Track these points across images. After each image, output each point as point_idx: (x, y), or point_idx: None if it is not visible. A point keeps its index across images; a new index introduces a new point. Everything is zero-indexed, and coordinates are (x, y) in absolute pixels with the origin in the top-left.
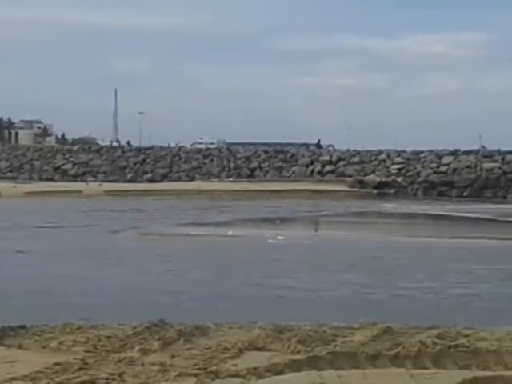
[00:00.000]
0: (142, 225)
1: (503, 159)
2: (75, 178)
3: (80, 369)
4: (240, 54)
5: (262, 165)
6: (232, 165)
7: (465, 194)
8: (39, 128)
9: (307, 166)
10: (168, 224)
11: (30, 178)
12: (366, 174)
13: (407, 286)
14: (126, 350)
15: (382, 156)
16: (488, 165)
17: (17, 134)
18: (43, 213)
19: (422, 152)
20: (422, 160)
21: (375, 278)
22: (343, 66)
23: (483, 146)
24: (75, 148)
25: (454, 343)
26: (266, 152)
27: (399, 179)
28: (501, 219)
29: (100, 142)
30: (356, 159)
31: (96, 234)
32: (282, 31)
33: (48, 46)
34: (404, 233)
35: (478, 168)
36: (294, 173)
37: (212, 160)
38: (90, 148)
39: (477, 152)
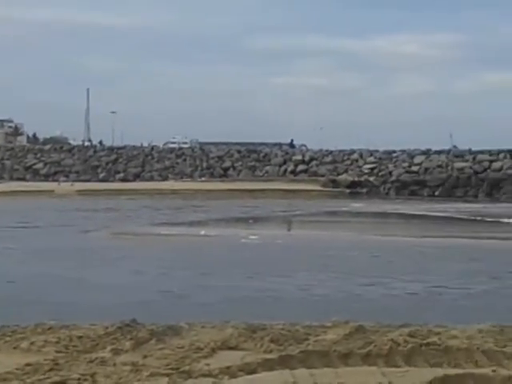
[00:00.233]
0: (115, 224)
1: (474, 159)
2: (47, 177)
3: (51, 369)
4: (213, 54)
5: (235, 164)
6: (205, 164)
7: (436, 193)
8: (10, 127)
9: (280, 166)
10: (141, 223)
11: (1, 178)
12: (338, 174)
13: (379, 283)
14: (97, 350)
15: (355, 156)
16: (459, 164)
17: None
18: (14, 213)
19: (394, 152)
20: (394, 160)
21: (347, 277)
22: (316, 65)
23: (454, 146)
24: (47, 147)
25: (425, 341)
26: (239, 151)
27: (372, 179)
28: (471, 218)
29: (72, 142)
30: (329, 159)
31: (68, 234)
32: (255, 31)
33: (19, 44)
34: (376, 232)
35: (450, 168)
36: (266, 172)
37: (185, 159)
38: (61, 147)
39: (448, 152)
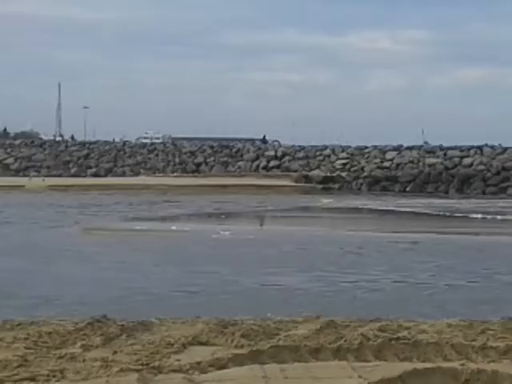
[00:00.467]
0: (87, 220)
1: (445, 155)
2: (17, 172)
3: (20, 366)
4: (186, 49)
5: (208, 160)
6: (177, 159)
7: (408, 188)
8: None
9: (253, 161)
10: (113, 219)
11: None
12: (311, 169)
13: (350, 278)
14: (67, 346)
15: (327, 151)
16: (430, 160)
17: None
18: None
19: (367, 147)
20: (366, 155)
21: (318, 271)
22: (289, 61)
23: (426, 142)
24: (17, 142)
25: (395, 336)
26: (212, 147)
27: (344, 174)
28: (441, 214)
29: (43, 137)
30: (301, 154)
31: (39, 230)
32: (229, 26)
33: None
34: (347, 227)
35: (421, 163)
36: (239, 168)
37: (157, 155)
38: (32, 142)
39: (419, 148)
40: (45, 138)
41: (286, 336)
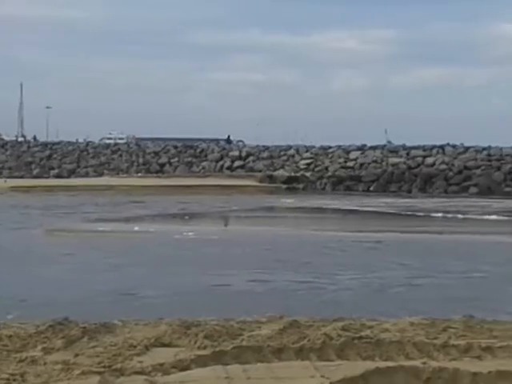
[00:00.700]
0: (50, 221)
1: (408, 154)
2: None
3: None
4: (149, 49)
5: (172, 160)
6: (141, 160)
7: (371, 188)
8: None
9: (217, 162)
10: (76, 220)
11: None
12: (275, 169)
13: (313, 278)
14: (28, 349)
15: (291, 151)
16: (393, 160)
17: None
18: None
19: (330, 147)
20: (330, 155)
21: (281, 271)
22: (253, 61)
23: (389, 142)
24: None
25: (358, 335)
26: (176, 147)
27: (308, 174)
28: (404, 213)
29: (5, 137)
30: (265, 154)
31: (2, 231)
32: (192, 26)
33: None
34: (311, 227)
35: (384, 163)
36: (203, 168)
37: (121, 155)
38: None
39: (383, 147)
40: (6, 138)
41: (249, 336)
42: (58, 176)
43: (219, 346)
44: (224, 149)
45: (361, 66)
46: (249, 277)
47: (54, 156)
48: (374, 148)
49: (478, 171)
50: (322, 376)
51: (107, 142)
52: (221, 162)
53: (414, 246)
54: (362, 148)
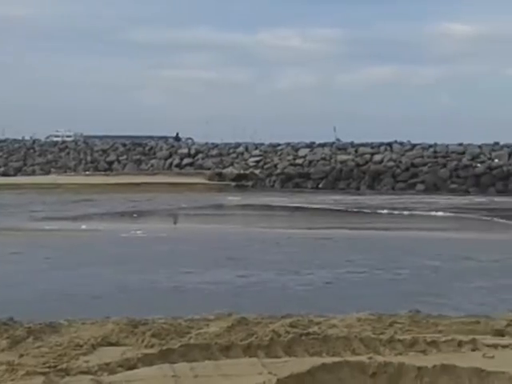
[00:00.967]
0: None
1: (356, 151)
2: None
3: None
4: (98, 46)
5: (120, 158)
6: (89, 158)
7: (320, 185)
8: None
9: (166, 159)
10: (23, 219)
11: None
12: (224, 167)
13: (262, 275)
14: None
15: (240, 149)
16: (342, 157)
17: None
18: None
19: (279, 145)
20: (279, 152)
21: (229, 269)
22: (203, 59)
23: (338, 139)
24: None
25: (305, 331)
26: (124, 145)
27: (257, 171)
28: (352, 210)
29: None
30: (214, 152)
31: None
32: (141, 23)
33: None
34: (260, 224)
35: (333, 160)
36: (152, 166)
37: (68, 153)
38: None
39: (331, 145)
40: None
41: (197, 334)
42: (4, 174)
43: (167, 345)
44: (173, 146)
45: (309, 64)
46: (197, 274)
47: (0, 154)
48: (322, 145)
49: (425, 168)
50: (270, 373)
51: (54, 139)
52: (170, 160)
53: (362, 243)
54: (310, 145)
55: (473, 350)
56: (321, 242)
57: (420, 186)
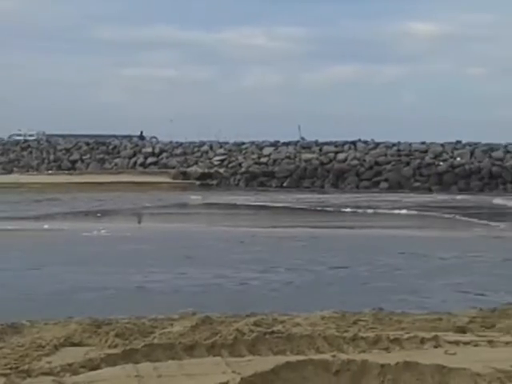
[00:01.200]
0: None
1: (320, 150)
2: None
3: None
4: (60, 44)
5: (84, 157)
6: (52, 157)
7: (285, 184)
8: None
9: (130, 158)
10: None
11: None
12: (188, 166)
13: (227, 274)
14: None
15: (205, 147)
16: (306, 156)
17: None
18: None
19: (244, 143)
20: (244, 151)
21: (194, 268)
22: (166, 57)
23: (302, 138)
24: None
25: (269, 330)
26: (88, 144)
27: (222, 170)
28: (315, 208)
29: None
30: (179, 151)
31: None
32: (103, 21)
33: None
34: (224, 223)
35: (297, 159)
36: (116, 165)
37: (31, 152)
38: None
39: (296, 143)
40: None
41: (161, 334)
42: None
43: (130, 345)
44: (137, 145)
45: (273, 63)
46: (162, 274)
47: None
48: (287, 144)
49: (389, 166)
50: (234, 372)
51: (16, 138)
52: (134, 159)
53: (326, 241)
54: (275, 144)
55: (435, 347)
56: (285, 240)
57: (384, 184)
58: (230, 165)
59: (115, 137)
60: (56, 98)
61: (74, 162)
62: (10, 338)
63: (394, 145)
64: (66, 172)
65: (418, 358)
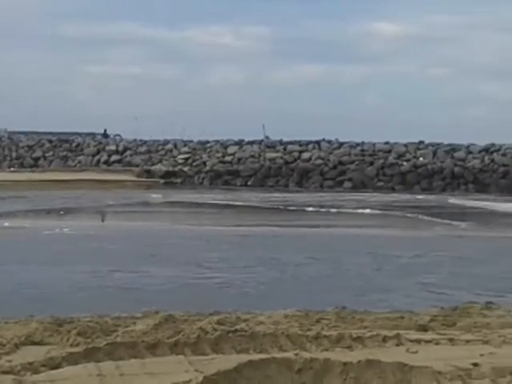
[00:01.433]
0: None
1: (285, 149)
2: None
3: None
4: (22, 40)
5: (47, 154)
6: (14, 154)
7: (249, 182)
8: None
9: (93, 156)
10: None
11: None
12: (153, 164)
13: (190, 273)
14: None
15: (169, 146)
16: (271, 155)
17: None
18: None
19: (208, 142)
20: (208, 150)
21: (158, 266)
22: (132, 54)
23: (267, 137)
24: None
25: (233, 328)
26: (51, 141)
27: (186, 169)
28: (279, 207)
29: None
30: (143, 149)
31: None
32: (66, 17)
33: None
34: (188, 221)
35: (262, 158)
36: (79, 162)
37: None
38: None
39: (260, 142)
40: None
41: (123, 332)
42: None
43: (92, 343)
44: (100, 143)
45: (238, 62)
46: (124, 272)
47: None
48: (251, 143)
49: (352, 166)
50: (196, 370)
51: None
52: (97, 157)
53: (289, 240)
54: (239, 143)
55: (397, 345)
56: (248, 239)
57: (347, 184)
58: (195, 163)
59: (79, 134)
60: (18, 95)
61: (36, 160)
62: None
63: (357, 144)
64: (29, 169)
65: (380, 356)
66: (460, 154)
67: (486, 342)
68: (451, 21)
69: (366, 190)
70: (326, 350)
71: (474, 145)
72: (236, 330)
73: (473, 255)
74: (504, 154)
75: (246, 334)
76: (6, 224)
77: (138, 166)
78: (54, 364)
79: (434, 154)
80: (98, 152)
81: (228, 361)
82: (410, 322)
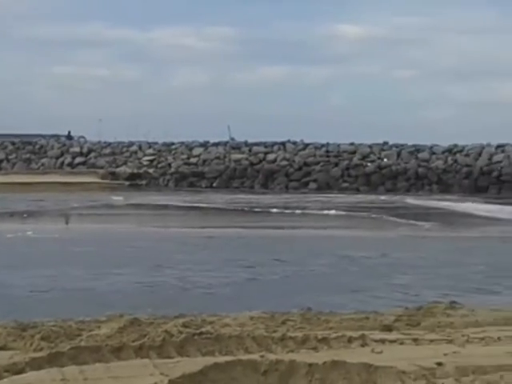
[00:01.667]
0: None
1: (250, 151)
2: None
3: None
4: None
5: (9, 156)
6: None
7: (214, 184)
8: None
9: (57, 158)
10: None
11: None
12: (117, 166)
13: (153, 275)
14: None
15: (134, 148)
16: (236, 156)
17: None
18: None
19: (173, 144)
20: (173, 151)
21: (123, 269)
22: (96, 56)
23: (232, 138)
24: None
25: (198, 331)
26: (13, 143)
27: (151, 170)
28: (244, 209)
29: None
30: (107, 151)
31: None
32: (32, 18)
33: None
34: (153, 223)
35: (227, 159)
36: (43, 165)
37: None
38: None
39: (225, 144)
40: None
41: (88, 336)
42: None
43: (56, 348)
44: (64, 145)
45: (202, 63)
46: (88, 275)
47: None
48: (216, 144)
49: (318, 167)
50: (162, 373)
51: None
52: (61, 159)
53: (254, 241)
54: (204, 144)
55: (362, 346)
56: (214, 241)
57: (313, 185)
58: (160, 165)
59: (42, 136)
60: None
61: None
62: None
63: (322, 146)
64: None
65: (346, 357)
66: (424, 155)
67: (450, 342)
68: (416, 23)
69: (331, 191)
70: (292, 351)
71: (437, 146)
72: (201, 333)
73: (437, 255)
74: (467, 155)
75: (211, 336)
76: None
77: (102, 168)
78: (17, 369)
79: (399, 154)
80: (62, 154)
81: (193, 363)
82: (375, 323)
